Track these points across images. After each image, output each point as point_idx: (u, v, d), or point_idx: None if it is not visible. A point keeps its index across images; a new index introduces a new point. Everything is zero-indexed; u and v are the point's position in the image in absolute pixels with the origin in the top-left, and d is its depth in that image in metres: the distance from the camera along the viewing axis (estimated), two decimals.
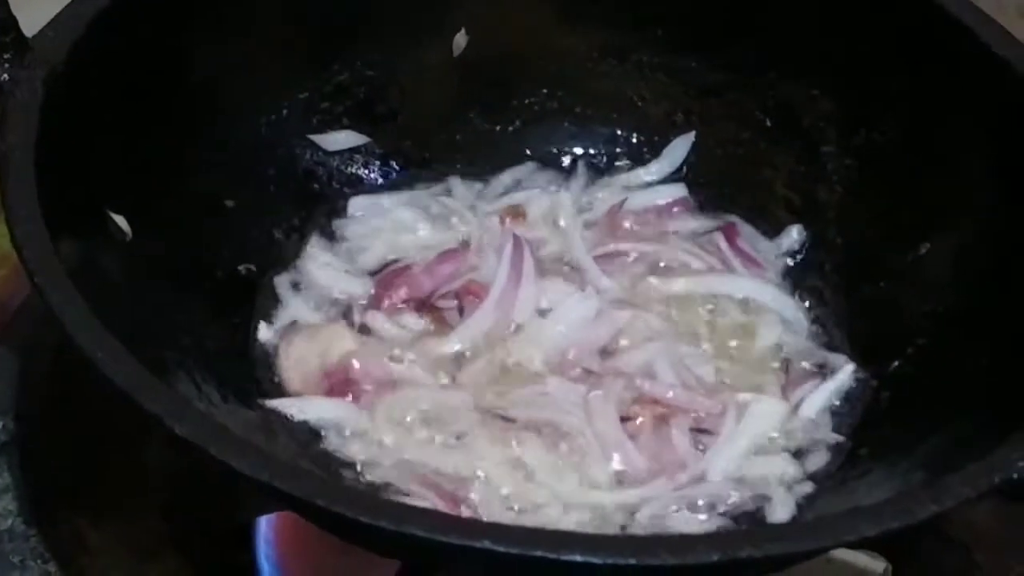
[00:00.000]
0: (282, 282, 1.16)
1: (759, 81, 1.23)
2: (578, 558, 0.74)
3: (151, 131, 1.06)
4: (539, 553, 0.74)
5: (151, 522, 1.11)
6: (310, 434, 1.05)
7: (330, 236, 1.21)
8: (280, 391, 1.09)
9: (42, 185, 0.91)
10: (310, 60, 1.21)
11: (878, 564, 1.17)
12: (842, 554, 1.26)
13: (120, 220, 1.01)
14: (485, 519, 0.98)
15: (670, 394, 1.07)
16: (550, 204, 1.23)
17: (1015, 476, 0.82)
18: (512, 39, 1.26)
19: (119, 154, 1.03)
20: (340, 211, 1.23)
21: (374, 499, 0.81)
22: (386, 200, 1.24)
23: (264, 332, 1.13)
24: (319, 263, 1.18)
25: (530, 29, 1.26)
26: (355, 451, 1.04)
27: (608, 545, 0.76)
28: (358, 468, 1.03)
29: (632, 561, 0.74)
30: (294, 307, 1.15)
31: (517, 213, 1.22)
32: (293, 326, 1.13)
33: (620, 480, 1.03)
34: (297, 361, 1.11)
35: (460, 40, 1.25)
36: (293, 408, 1.06)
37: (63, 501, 1.11)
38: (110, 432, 1.11)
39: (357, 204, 1.24)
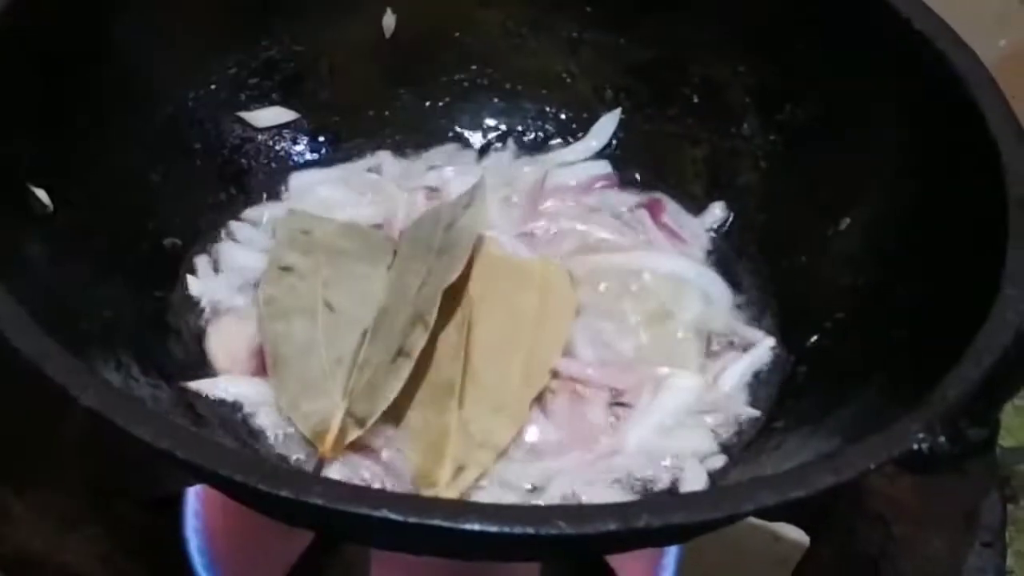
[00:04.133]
0: (202, 262, 1.16)
1: (685, 57, 1.23)
2: (476, 527, 0.74)
3: (74, 103, 1.06)
4: (436, 522, 0.75)
5: (75, 493, 1.12)
6: (231, 410, 1.06)
7: (255, 214, 1.21)
8: (206, 367, 1.09)
9: None
10: (237, 35, 1.21)
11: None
12: (786, 531, 1.27)
13: (41, 193, 1.01)
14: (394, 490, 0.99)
15: (588, 371, 1.07)
16: (474, 182, 1.22)
17: (914, 447, 0.83)
18: (439, 14, 1.27)
19: (40, 126, 1.03)
20: (268, 187, 1.24)
21: (276, 468, 0.81)
22: (315, 176, 1.25)
23: (194, 286, 1.13)
24: (237, 243, 1.18)
25: (457, 4, 1.27)
26: (274, 423, 1.04)
27: (505, 515, 0.76)
28: (275, 441, 1.04)
29: (529, 530, 0.75)
30: (214, 288, 1.14)
31: (437, 192, 1.22)
32: (216, 305, 1.13)
33: (532, 453, 1.03)
34: (225, 341, 1.11)
35: (389, 21, 1.26)
36: (213, 389, 1.06)
37: None
38: (34, 402, 1.11)
39: (295, 181, 1.24)
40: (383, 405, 1.00)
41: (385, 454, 1.02)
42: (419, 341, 1.02)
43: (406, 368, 1.01)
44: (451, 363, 1.04)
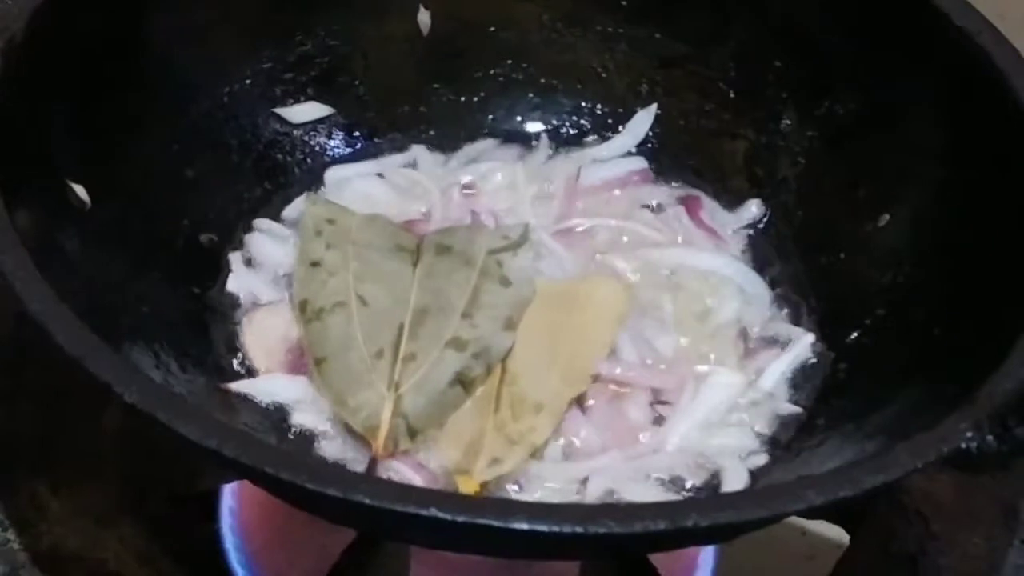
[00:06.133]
0: (236, 258, 1.15)
1: (721, 52, 1.23)
2: (524, 526, 0.74)
3: (111, 100, 1.06)
4: (486, 521, 0.74)
5: (111, 490, 1.12)
6: (270, 408, 1.05)
7: (290, 209, 1.21)
8: (243, 363, 1.09)
9: None
10: (272, 29, 1.21)
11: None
12: (814, 526, 1.27)
13: (79, 189, 1.01)
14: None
15: (628, 372, 1.07)
16: (510, 178, 1.23)
17: (962, 446, 0.82)
18: (474, 9, 1.26)
19: (78, 123, 1.03)
20: (303, 182, 1.23)
21: (322, 466, 0.81)
22: (350, 171, 1.24)
23: (231, 282, 1.13)
24: (270, 237, 1.17)
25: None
26: (313, 422, 1.04)
27: (554, 514, 0.76)
28: (316, 439, 1.03)
29: (578, 529, 0.75)
30: (249, 283, 1.14)
31: (473, 188, 1.22)
32: (253, 301, 1.13)
33: (572, 452, 1.03)
34: (260, 337, 1.11)
35: (424, 18, 1.25)
36: (252, 388, 1.06)
37: (22, 468, 1.11)
38: (70, 399, 1.11)
39: (331, 176, 1.24)
40: (436, 424, 1.02)
41: (419, 453, 1.02)
42: (479, 380, 1.04)
43: (462, 400, 1.03)
44: (489, 378, 1.05)
